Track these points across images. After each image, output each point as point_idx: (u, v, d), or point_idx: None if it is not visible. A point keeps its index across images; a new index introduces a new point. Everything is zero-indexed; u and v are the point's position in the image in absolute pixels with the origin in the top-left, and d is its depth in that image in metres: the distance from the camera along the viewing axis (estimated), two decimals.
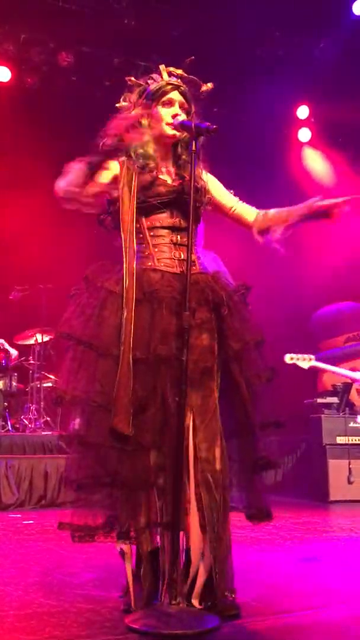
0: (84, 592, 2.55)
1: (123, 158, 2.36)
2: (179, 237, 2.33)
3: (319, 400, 6.36)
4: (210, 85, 2.44)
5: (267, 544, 3.67)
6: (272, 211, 2.44)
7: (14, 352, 7.04)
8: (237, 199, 2.50)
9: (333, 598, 2.49)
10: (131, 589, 2.20)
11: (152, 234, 2.31)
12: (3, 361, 7.13)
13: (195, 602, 2.15)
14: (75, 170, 2.24)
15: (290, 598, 2.48)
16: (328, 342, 7.77)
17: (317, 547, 3.60)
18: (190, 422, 2.17)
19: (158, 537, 2.18)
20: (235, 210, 2.48)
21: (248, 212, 2.48)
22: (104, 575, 2.82)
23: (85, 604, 2.34)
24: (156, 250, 2.31)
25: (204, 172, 2.45)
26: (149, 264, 2.29)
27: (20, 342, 7.33)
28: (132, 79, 2.46)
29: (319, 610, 2.31)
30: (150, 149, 2.37)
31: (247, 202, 2.51)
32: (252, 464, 2.28)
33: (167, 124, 2.35)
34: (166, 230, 2.33)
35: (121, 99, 2.47)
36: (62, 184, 2.26)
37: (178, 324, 2.17)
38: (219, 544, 2.16)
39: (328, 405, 6.26)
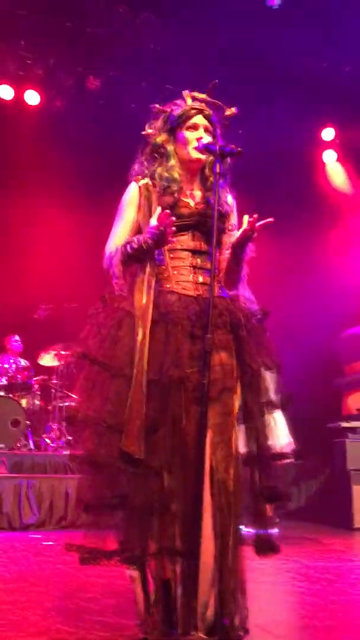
0: (103, 618, 2.51)
1: (144, 182, 2.37)
2: (199, 260, 2.32)
3: (344, 424, 6.25)
4: (234, 109, 2.44)
5: (290, 572, 3.58)
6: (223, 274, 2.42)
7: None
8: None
9: (352, 632, 2.41)
10: (147, 618, 2.15)
11: (172, 255, 2.32)
12: (26, 380, 7.18)
13: (201, 633, 2.08)
14: (117, 257, 2.30)
15: (313, 631, 2.41)
16: (353, 365, 7.66)
17: (342, 576, 3.51)
18: (208, 441, 2.14)
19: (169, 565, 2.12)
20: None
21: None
22: (123, 602, 2.78)
23: (103, 632, 2.31)
24: (175, 272, 2.31)
25: (229, 196, 2.44)
26: (167, 285, 2.29)
27: (42, 362, 7.38)
28: (157, 106, 2.49)
29: None
30: (176, 173, 2.38)
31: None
32: (260, 494, 2.23)
33: (194, 148, 2.36)
34: (186, 253, 2.32)
35: (147, 126, 2.49)
36: (107, 263, 2.33)
37: (193, 345, 2.17)
38: (231, 574, 2.11)
39: (353, 430, 6.15)
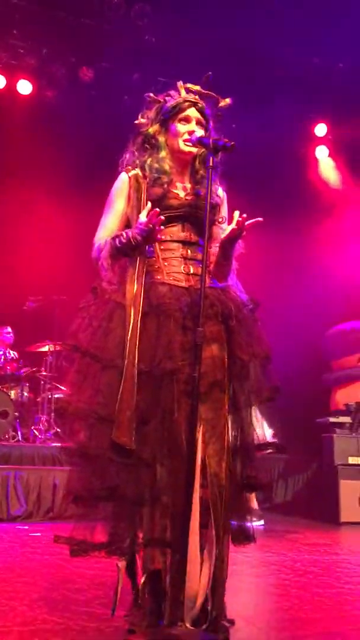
0: (90, 609, 2.52)
1: (134, 172, 2.37)
2: (189, 251, 2.33)
3: (332, 420, 6.30)
4: (228, 100, 2.44)
5: (276, 565, 3.61)
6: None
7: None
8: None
9: (345, 623, 2.43)
10: (132, 609, 2.16)
11: (162, 247, 2.31)
12: (15, 371, 7.15)
13: (187, 624, 2.09)
14: (106, 249, 2.30)
15: (299, 623, 2.43)
16: (341, 361, 7.71)
17: (328, 570, 3.54)
18: (200, 436, 2.15)
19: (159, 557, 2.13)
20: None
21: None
22: (111, 593, 2.77)
23: (90, 622, 2.31)
24: (166, 264, 2.31)
25: (220, 189, 2.44)
26: (158, 277, 2.29)
27: (33, 352, 7.36)
28: (151, 95, 2.47)
29: (330, 636, 2.26)
30: (166, 165, 2.37)
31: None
32: (241, 484, 2.24)
33: (184, 140, 2.35)
34: (176, 244, 2.32)
35: (139, 116, 2.48)
36: (95, 255, 2.33)
37: (184, 337, 2.17)
38: (221, 565, 2.12)
39: (340, 425, 6.19)
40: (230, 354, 2.27)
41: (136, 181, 2.35)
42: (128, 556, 2.14)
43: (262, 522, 5.29)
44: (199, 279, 2.25)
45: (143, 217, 2.20)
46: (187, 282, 2.28)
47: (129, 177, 2.36)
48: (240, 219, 2.25)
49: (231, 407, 2.26)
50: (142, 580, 2.12)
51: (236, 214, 2.28)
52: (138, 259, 2.26)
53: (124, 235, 2.26)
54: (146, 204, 2.26)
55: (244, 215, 2.26)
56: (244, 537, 2.25)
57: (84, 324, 2.22)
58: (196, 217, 2.31)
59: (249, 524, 2.27)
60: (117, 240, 2.27)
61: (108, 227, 2.36)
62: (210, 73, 2.41)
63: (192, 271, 2.30)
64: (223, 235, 2.32)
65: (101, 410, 2.09)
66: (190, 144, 2.34)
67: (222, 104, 2.42)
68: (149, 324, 2.17)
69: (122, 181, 2.38)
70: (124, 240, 2.25)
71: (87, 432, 2.13)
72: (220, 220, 2.42)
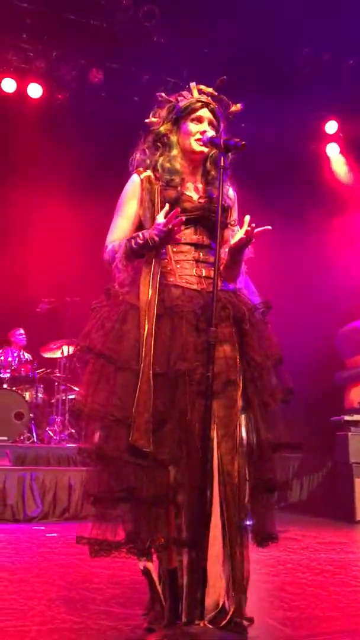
0: (107, 608, 2.54)
1: (146, 174, 2.38)
2: (201, 254, 2.33)
3: (346, 418, 6.26)
4: (239, 106, 2.45)
5: (292, 564, 3.61)
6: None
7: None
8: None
9: None
10: (157, 607, 2.17)
11: (174, 249, 2.32)
12: (30, 373, 7.20)
13: (206, 622, 2.10)
14: (122, 251, 2.31)
15: (316, 621, 2.43)
16: (355, 359, 7.66)
17: (344, 568, 3.53)
18: (214, 434, 2.16)
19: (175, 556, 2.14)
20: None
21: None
22: (129, 592, 2.80)
23: (108, 621, 2.33)
24: (178, 266, 2.31)
25: (231, 190, 2.44)
26: (171, 279, 2.29)
27: (46, 355, 7.40)
28: (163, 94, 2.48)
29: (346, 635, 2.25)
30: (177, 164, 2.38)
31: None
32: (258, 484, 2.24)
33: (196, 140, 2.36)
34: (189, 247, 2.33)
35: (151, 115, 2.49)
36: (109, 257, 2.35)
37: (198, 339, 2.18)
38: (237, 564, 2.13)
39: (355, 423, 6.16)
40: (244, 356, 2.28)
41: (149, 183, 2.36)
42: (149, 556, 2.15)
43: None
44: (210, 281, 2.26)
45: (161, 219, 2.21)
46: (199, 285, 2.29)
47: (141, 180, 2.37)
48: (249, 228, 2.26)
49: (246, 409, 2.26)
50: (160, 579, 2.14)
51: (246, 219, 2.28)
52: (153, 260, 2.27)
53: (141, 236, 2.27)
54: (160, 206, 2.27)
55: (253, 224, 2.26)
56: (265, 536, 2.24)
57: (97, 325, 2.23)
58: (208, 219, 2.32)
59: (270, 524, 2.27)
60: (133, 242, 2.28)
61: (120, 229, 2.38)
62: (224, 77, 2.42)
63: (204, 274, 2.31)
64: (232, 242, 2.33)
65: (117, 412, 2.10)
66: (201, 144, 2.35)
67: (233, 109, 2.43)
68: (162, 326, 2.18)
69: (134, 183, 2.39)
70: (140, 242, 2.26)
71: (103, 434, 2.14)
72: (232, 222, 2.43)
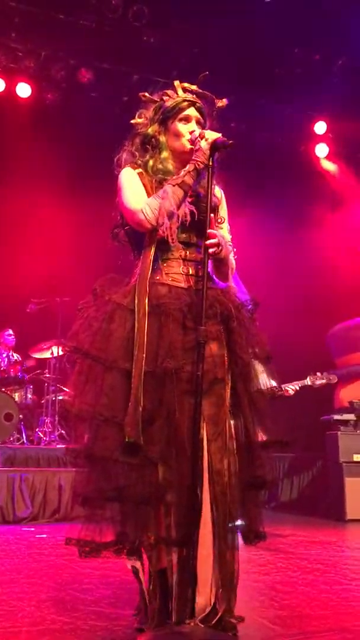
0: (98, 609, 2.53)
1: (139, 170, 2.37)
2: (188, 252, 2.33)
3: (336, 417, 6.28)
4: (224, 101, 2.44)
5: (283, 563, 3.61)
6: None
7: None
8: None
9: (352, 619, 2.43)
10: (144, 607, 2.17)
11: (162, 248, 2.32)
12: (19, 374, 7.17)
13: (196, 621, 2.09)
14: (171, 197, 2.24)
15: (307, 620, 2.44)
16: (346, 359, 7.69)
17: (334, 567, 3.54)
18: (204, 433, 2.16)
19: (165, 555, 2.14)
20: None
21: None
22: (119, 593, 2.79)
23: (99, 622, 2.32)
24: (165, 264, 2.31)
25: (217, 187, 2.44)
26: (157, 277, 2.29)
27: (36, 355, 7.38)
28: (146, 94, 2.48)
29: (336, 633, 2.26)
30: (170, 165, 2.38)
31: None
32: (247, 482, 2.24)
33: (187, 140, 2.35)
34: (177, 245, 2.32)
35: (136, 116, 2.48)
36: (154, 215, 2.24)
37: (185, 337, 2.18)
38: (225, 563, 2.13)
39: (345, 422, 6.18)
40: (231, 354, 2.27)
41: (142, 177, 2.35)
42: (139, 556, 2.14)
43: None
44: (197, 279, 2.26)
45: (187, 144, 2.29)
46: (187, 283, 2.29)
47: (137, 173, 2.36)
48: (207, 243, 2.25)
49: (234, 407, 2.26)
50: (149, 578, 2.13)
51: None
52: (140, 259, 2.26)
53: (182, 174, 2.25)
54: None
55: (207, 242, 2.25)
56: (254, 535, 2.24)
57: (84, 325, 2.23)
58: (196, 218, 2.31)
59: (258, 522, 2.27)
60: (185, 176, 2.25)
61: (140, 194, 2.31)
62: (206, 73, 2.42)
63: (191, 272, 2.31)
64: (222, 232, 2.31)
65: (105, 411, 2.09)
66: (191, 143, 2.34)
67: (219, 104, 2.42)
68: (149, 324, 2.17)
69: (131, 172, 2.37)
70: (190, 171, 2.24)
71: (91, 434, 2.13)
72: (219, 220, 2.43)
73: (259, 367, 2.33)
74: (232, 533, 2.17)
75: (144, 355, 2.12)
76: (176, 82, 2.44)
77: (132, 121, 2.47)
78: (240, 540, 2.22)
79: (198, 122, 2.39)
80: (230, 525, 2.16)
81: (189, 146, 2.35)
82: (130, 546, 2.07)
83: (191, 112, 2.38)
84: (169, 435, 2.12)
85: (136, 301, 2.19)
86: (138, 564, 2.16)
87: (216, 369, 2.23)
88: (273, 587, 2.99)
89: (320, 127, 8.14)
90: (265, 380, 2.34)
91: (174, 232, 2.24)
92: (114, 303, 2.23)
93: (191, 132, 2.34)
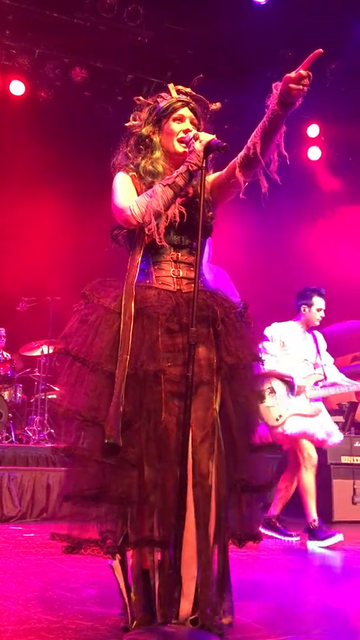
0: (84, 608, 2.53)
1: (132, 173, 2.37)
2: (179, 254, 2.33)
3: None
4: (218, 104, 2.45)
5: (269, 564, 3.63)
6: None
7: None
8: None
9: (335, 621, 2.45)
10: (128, 607, 2.17)
11: (153, 250, 2.32)
12: (9, 372, 7.14)
13: (182, 621, 2.09)
14: (160, 196, 2.22)
15: (292, 620, 2.45)
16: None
17: (320, 568, 3.56)
18: (191, 435, 2.16)
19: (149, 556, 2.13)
20: (226, 170, 2.40)
21: (233, 161, 2.38)
22: (106, 592, 2.79)
23: (85, 621, 2.32)
24: (156, 267, 2.31)
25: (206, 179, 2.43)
26: (147, 281, 2.29)
27: (26, 353, 7.35)
28: (141, 98, 2.49)
29: (321, 634, 2.27)
30: (160, 166, 2.38)
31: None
32: (235, 485, 2.24)
33: (179, 139, 2.36)
34: (168, 247, 2.31)
35: (131, 118, 2.49)
36: (140, 212, 2.22)
37: (169, 339, 2.19)
38: (210, 565, 2.12)
39: None
40: (218, 357, 2.27)
41: (135, 180, 2.36)
42: (120, 555, 2.15)
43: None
44: (187, 282, 2.27)
45: (179, 147, 2.31)
46: (176, 286, 2.29)
47: (130, 176, 2.37)
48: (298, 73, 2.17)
49: (221, 409, 2.25)
50: (132, 578, 2.14)
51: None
52: (129, 262, 2.27)
53: (174, 174, 2.24)
54: None
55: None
56: (244, 537, 2.23)
57: (74, 328, 2.26)
58: (187, 219, 2.30)
59: (252, 525, 2.27)
60: (177, 177, 2.23)
61: (131, 193, 2.32)
62: (201, 76, 2.43)
63: (181, 274, 2.31)
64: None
65: (87, 412, 2.12)
66: (184, 145, 2.34)
67: (213, 107, 2.43)
68: (134, 327, 2.18)
69: (124, 176, 2.37)
70: (175, 177, 2.23)
71: (77, 434, 2.16)
72: (211, 217, 2.42)
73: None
74: (219, 534, 2.17)
75: (128, 356, 2.13)
76: (170, 85, 2.45)
77: (126, 124, 2.47)
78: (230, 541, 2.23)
79: (192, 122, 2.39)
80: (216, 527, 2.16)
81: (179, 148, 2.35)
82: (112, 545, 2.08)
83: (185, 112, 2.39)
84: (149, 436, 2.12)
85: (123, 304, 2.21)
86: (115, 563, 2.17)
87: (202, 371, 2.22)
88: (258, 587, 3.00)
89: (313, 130, 8.17)
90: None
91: (161, 232, 2.23)
92: (102, 307, 2.25)
93: (185, 131, 2.35)
